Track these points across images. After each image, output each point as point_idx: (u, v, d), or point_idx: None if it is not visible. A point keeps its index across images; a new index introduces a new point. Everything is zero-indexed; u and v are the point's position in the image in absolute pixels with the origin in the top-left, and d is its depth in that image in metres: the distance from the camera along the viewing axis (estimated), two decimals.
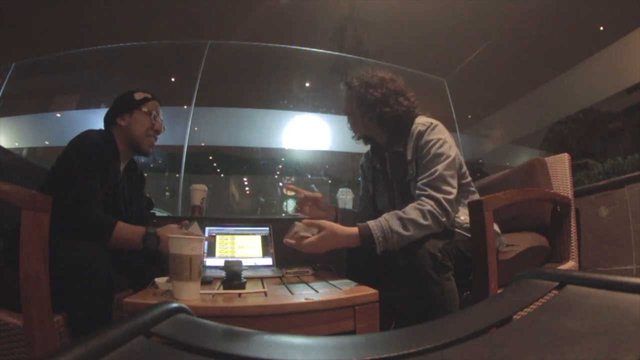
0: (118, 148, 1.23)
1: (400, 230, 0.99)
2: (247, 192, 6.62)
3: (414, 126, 1.18)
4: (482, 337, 0.29)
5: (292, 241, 1.02)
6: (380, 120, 1.21)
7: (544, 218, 1.40)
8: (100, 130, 1.23)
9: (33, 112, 4.06)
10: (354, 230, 1.02)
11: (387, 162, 1.27)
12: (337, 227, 1.01)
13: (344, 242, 1.02)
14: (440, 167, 1.08)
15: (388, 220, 1.01)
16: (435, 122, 1.17)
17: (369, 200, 1.40)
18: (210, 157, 5.96)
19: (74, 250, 0.90)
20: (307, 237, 1.00)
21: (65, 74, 4.32)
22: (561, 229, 1.36)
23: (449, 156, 1.10)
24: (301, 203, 1.25)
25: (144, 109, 1.25)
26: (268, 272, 1.31)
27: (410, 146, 1.17)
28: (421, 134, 1.14)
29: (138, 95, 1.27)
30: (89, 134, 1.15)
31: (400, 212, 1.03)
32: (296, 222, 1.05)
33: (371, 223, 1.02)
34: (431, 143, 1.12)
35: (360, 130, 1.29)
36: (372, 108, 1.20)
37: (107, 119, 1.26)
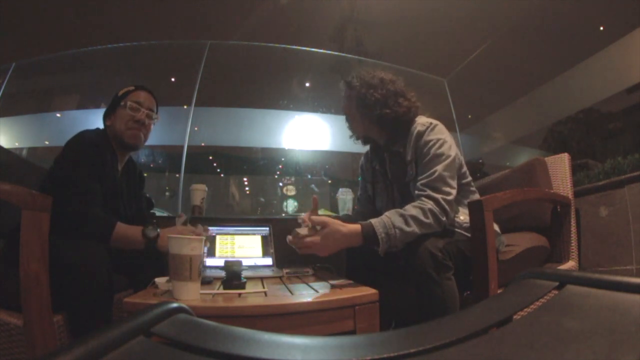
0: (114, 147, 1.23)
1: (403, 226, 0.98)
2: (247, 192, 6.61)
3: (413, 126, 1.17)
4: (482, 337, 0.29)
5: (294, 240, 0.99)
6: (380, 121, 1.20)
7: (544, 218, 1.40)
8: (97, 130, 1.24)
9: (33, 112, 4.06)
10: (357, 227, 1.00)
11: (387, 162, 1.26)
12: (340, 223, 0.99)
13: (346, 240, 0.99)
14: (439, 168, 1.07)
15: (390, 217, 1.01)
16: (435, 122, 1.17)
17: (367, 200, 1.40)
18: (210, 157, 5.95)
19: (74, 250, 0.90)
20: (309, 236, 0.97)
21: (65, 74, 4.32)
22: (561, 229, 1.36)
23: (448, 156, 1.10)
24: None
25: (122, 103, 1.25)
26: (268, 272, 1.31)
27: (409, 146, 1.16)
28: (420, 134, 1.14)
29: (121, 92, 1.28)
30: (85, 133, 1.16)
31: (401, 210, 1.02)
32: (299, 223, 1.03)
33: (373, 221, 1.00)
34: (431, 143, 1.11)
35: (359, 131, 1.29)
36: (372, 109, 1.19)
37: (103, 120, 1.29)
